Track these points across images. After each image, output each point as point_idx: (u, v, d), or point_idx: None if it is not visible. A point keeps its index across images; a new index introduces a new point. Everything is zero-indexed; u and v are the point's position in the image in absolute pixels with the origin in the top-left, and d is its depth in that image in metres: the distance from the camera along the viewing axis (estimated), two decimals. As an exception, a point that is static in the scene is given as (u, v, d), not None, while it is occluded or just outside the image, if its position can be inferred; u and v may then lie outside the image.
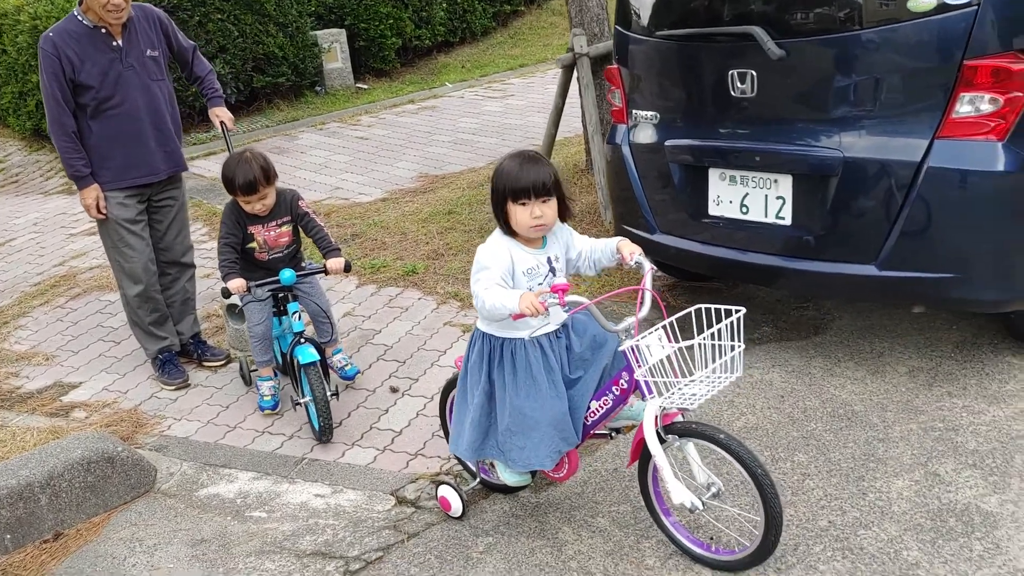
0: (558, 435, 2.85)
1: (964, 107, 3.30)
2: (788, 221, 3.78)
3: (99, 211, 4.20)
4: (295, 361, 3.85)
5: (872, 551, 2.82)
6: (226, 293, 3.81)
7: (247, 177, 3.77)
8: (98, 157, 4.15)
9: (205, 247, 6.34)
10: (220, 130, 4.48)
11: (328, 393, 3.76)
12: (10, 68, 9.49)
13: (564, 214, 2.89)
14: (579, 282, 4.81)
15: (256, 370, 4.21)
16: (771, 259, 3.88)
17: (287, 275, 3.85)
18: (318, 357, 3.80)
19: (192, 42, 4.52)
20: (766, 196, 3.82)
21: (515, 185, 2.76)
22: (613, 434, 3.10)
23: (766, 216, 3.84)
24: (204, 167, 8.17)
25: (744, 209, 3.91)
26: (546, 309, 2.61)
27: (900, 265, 3.52)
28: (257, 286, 3.85)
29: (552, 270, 2.90)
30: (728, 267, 4.11)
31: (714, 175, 3.98)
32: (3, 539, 3.34)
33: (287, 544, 3.24)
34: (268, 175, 3.83)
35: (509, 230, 2.85)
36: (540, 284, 2.85)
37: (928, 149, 3.37)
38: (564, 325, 2.94)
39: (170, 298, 4.57)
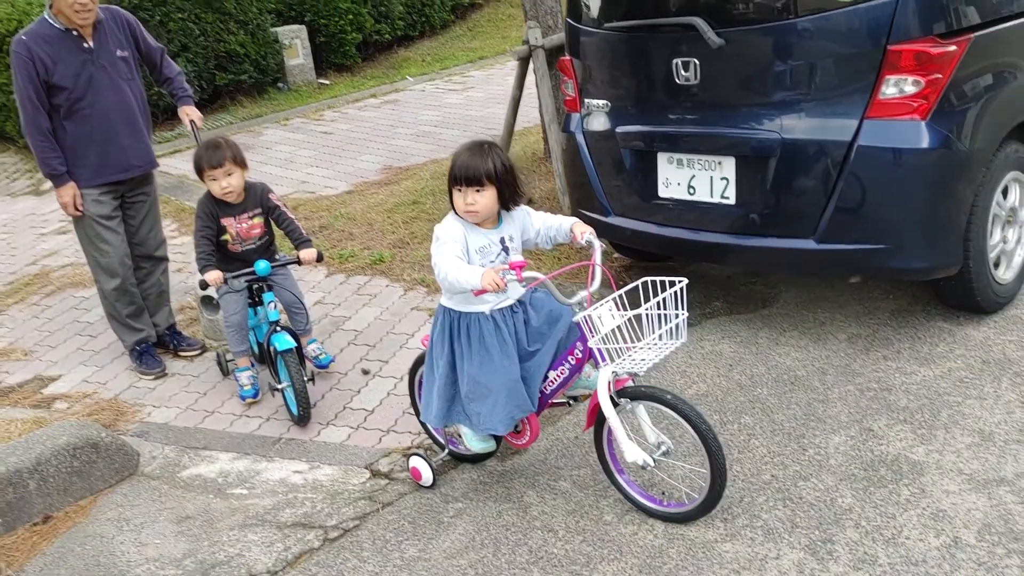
0: (511, 402, 3.07)
1: (890, 89, 3.55)
2: (732, 200, 4.02)
3: (76, 208, 4.34)
4: (272, 349, 4.01)
5: (810, 500, 3.07)
6: (204, 285, 3.97)
7: (215, 150, 3.98)
8: (73, 156, 4.29)
9: (175, 242, 6.47)
10: (189, 128, 4.63)
11: (305, 379, 3.94)
12: (-29, 71, 9.50)
13: (512, 200, 3.10)
14: (538, 256, 5.02)
15: (232, 360, 4.37)
16: (718, 237, 4.12)
17: (262, 266, 4.02)
18: (295, 344, 3.97)
19: (160, 45, 4.67)
20: (711, 178, 4.05)
21: (453, 172, 3.00)
22: (571, 402, 3.34)
23: (712, 196, 4.08)
24: (172, 165, 8.27)
25: (691, 190, 4.15)
26: (505, 285, 2.82)
27: (836, 238, 3.78)
28: (233, 277, 4.01)
29: (505, 249, 3.11)
30: (679, 246, 4.35)
31: (663, 159, 4.21)
32: (-5, 523, 3.50)
33: (268, 517, 3.43)
34: (235, 153, 4.03)
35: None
36: (492, 262, 3.06)
37: (858, 129, 3.62)
38: (521, 301, 3.16)
39: (145, 291, 4.72)
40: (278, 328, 4.04)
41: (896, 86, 3.54)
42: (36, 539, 3.50)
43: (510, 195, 3.07)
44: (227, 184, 4.01)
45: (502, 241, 3.11)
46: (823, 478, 3.18)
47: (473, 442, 3.28)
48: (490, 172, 2.97)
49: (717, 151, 4.00)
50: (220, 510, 3.52)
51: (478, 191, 2.99)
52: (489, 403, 3.09)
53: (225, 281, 4.00)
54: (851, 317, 4.28)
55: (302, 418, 3.96)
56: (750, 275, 4.87)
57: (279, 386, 4.03)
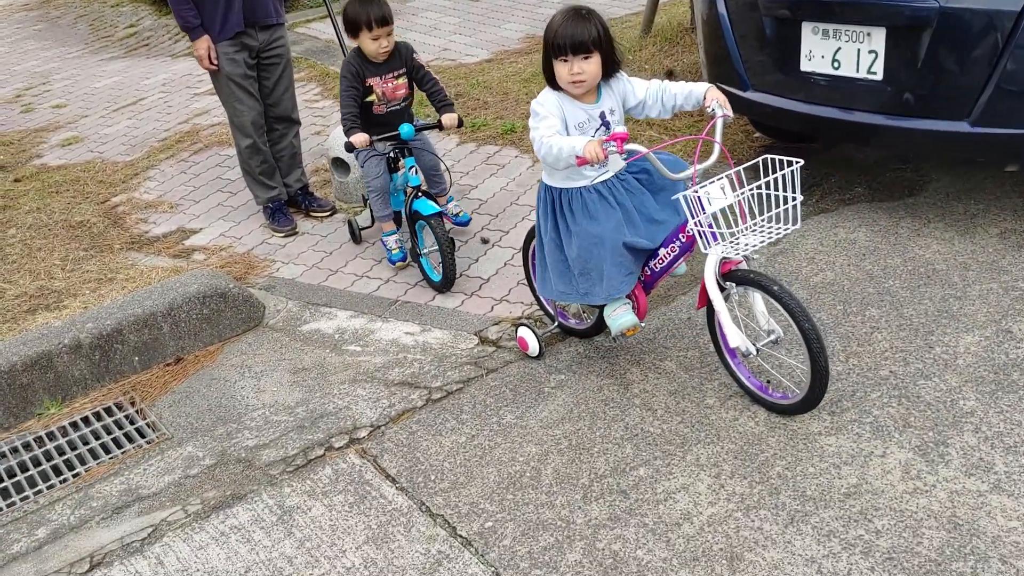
0: (615, 262, 2.96)
1: (1073, -48, 3.12)
2: (880, 76, 3.69)
3: (210, 62, 4.44)
4: (415, 213, 3.99)
5: (928, 399, 2.89)
6: (349, 147, 3.92)
7: (380, 9, 3.88)
8: (203, 8, 4.33)
9: (317, 106, 6.58)
10: (321, -3, 4.61)
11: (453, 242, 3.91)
12: (138, -68, 9.80)
13: (612, 69, 2.94)
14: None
15: (367, 227, 4.41)
16: (862, 116, 3.82)
17: (406, 129, 3.95)
18: (440, 208, 3.95)
19: None
20: (858, 50, 3.73)
21: (556, 41, 2.84)
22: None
23: (858, 71, 3.76)
24: (319, 29, 8.35)
25: (836, 64, 3.83)
26: (606, 156, 2.70)
27: (994, 121, 3.43)
28: (378, 139, 3.97)
29: (606, 124, 2.97)
30: (820, 125, 4.07)
31: (807, 29, 3.89)
32: (132, 360, 3.76)
33: (378, 374, 3.53)
34: (390, 12, 3.94)
35: (557, 85, 2.94)
36: (592, 137, 2.93)
37: (1030, -2, 3.22)
38: (633, 171, 3.04)
39: (278, 152, 4.83)
40: (419, 193, 4.03)
41: (1082, -52, 3.11)
42: (168, 378, 3.73)
43: (610, 62, 2.91)
44: (387, 44, 3.94)
45: (602, 116, 2.98)
46: (947, 378, 2.97)
47: (614, 322, 3.12)
48: (595, 38, 2.83)
49: (866, 21, 3.66)
50: (334, 364, 3.65)
51: (586, 58, 2.85)
52: (596, 273, 3.00)
53: (371, 143, 3.95)
54: (1007, 211, 3.93)
55: (446, 283, 3.95)
56: (899, 161, 4.52)
57: (423, 251, 4.04)
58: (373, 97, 4.04)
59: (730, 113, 2.90)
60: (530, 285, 3.68)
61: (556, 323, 3.56)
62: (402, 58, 4.06)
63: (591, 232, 2.98)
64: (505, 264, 4.18)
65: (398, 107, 4.11)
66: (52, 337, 3.65)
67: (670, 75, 5.75)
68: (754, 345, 2.84)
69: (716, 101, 2.90)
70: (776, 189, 2.68)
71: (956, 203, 4.05)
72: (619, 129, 2.90)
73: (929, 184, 4.27)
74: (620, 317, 3.11)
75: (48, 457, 3.35)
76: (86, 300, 4.17)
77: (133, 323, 3.75)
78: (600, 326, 3.45)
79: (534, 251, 3.57)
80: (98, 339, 3.67)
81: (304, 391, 3.51)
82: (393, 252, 4.27)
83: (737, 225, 2.75)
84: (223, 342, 3.93)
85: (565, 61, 2.89)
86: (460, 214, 4.46)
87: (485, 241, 4.40)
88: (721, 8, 4.32)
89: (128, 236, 5.00)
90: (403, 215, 4.20)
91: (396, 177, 4.19)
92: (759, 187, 2.69)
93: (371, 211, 4.37)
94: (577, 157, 2.76)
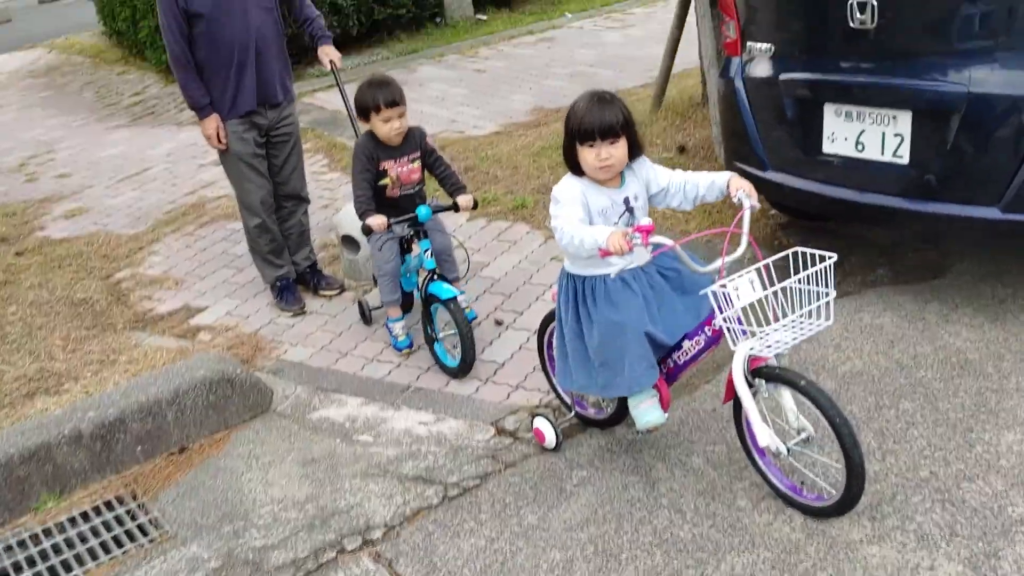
0: (642, 351, 2.85)
1: (1105, 39, 3.07)
2: (906, 160, 3.62)
3: (219, 140, 4.38)
4: (431, 297, 3.87)
5: (975, 504, 2.74)
6: (366, 230, 3.79)
7: (390, 92, 3.79)
8: (212, 86, 4.29)
9: (324, 178, 6.53)
10: (329, 68, 4.57)
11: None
12: (147, 3, 9.86)
13: (635, 152, 2.89)
14: (684, 216, 4.74)
15: (378, 308, 4.31)
16: (887, 199, 3.73)
17: (424, 212, 3.84)
18: (457, 292, 3.84)
19: None
20: (883, 133, 3.66)
21: (583, 127, 2.77)
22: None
23: (883, 154, 3.68)
24: (326, 100, 8.36)
25: (860, 147, 3.76)
26: (631, 248, 2.60)
27: (1026, 208, 3.34)
28: (396, 223, 3.85)
29: (630, 209, 2.89)
30: (842, 207, 3.98)
31: (829, 110, 3.83)
32: (135, 450, 3.62)
33: (391, 468, 3.39)
34: (402, 94, 3.86)
35: (580, 171, 2.87)
36: (615, 224, 2.86)
37: (1062, 84, 3.16)
38: (672, 268, 2.94)
39: (287, 230, 4.74)
40: (436, 276, 3.92)
41: (1114, 35, 3.06)
42: (171, 469, 3.59)
43: (633, 146, 2.86)
44: (400, 126, 3.85)
45: (626, 201, 2.90)
46: (991, 481, 2.83)
47: (640, 416, 3.00)
48: (622, 121, 2.77)
49: (892, 104, 3.60)
50: (345, 456, 3.51)
51: (613, 143, 2.78)
52: (617, 364, 2.89)
53: (389, 227, 3.83)
54: (1036, 295, 3.83)
55: (464, 367, 3.82)
56: (920, 241, 4.43)
57: (438, 335, 3.93)
58: (387, 181, 3.94)
59: (757, 204, 2.81)
60: (546, 372, 3.56)
61: (573, 412, 3.43)
62: (416, 141, 3.99)
63: (613, 320, 2.88)
64: (520, 348, 4.06)
65: (412, 191, 4.02)
66: (51, 427, 3.51)
67: (682, 151, 5.70)
68: (785, 444, 2.72)
69: (742, 191, 2.82)
70: (808, 284, 2.58)
71: (983, 286, 3.95)
72: (644, 220, 2.80)
73: (953, 266, 4.17)
74: (647, 413, 2.99)
75: (44, 557, 3.19)
76: (87, 384, 4.04)
77: (136, 411, 3.62)
78: (620, 416, 3.33)
79: (550, 337, 3.47)
80: (99, 428, 3.54)
81: (314, 485, 3.36)
82: (399, 339, 4.15)
83: (768, 321, 2.64)
84: (230, 430, 3.79)
85: (591, 146, 2.81)
86: (468, 310, 4.32)
87: (499, 323, 4.28)
88: (739, 86, 4.27)
89: (132, 314, 4.89)
90: (416, 298, 4.10)
91: (409, 259, 4.09)
92: (794, 282, 2.59)
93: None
94: (600, 249, 2.66)
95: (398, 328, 4.16)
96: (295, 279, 4.80)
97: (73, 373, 4.19)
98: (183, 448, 3.70)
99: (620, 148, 2.81)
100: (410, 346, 4.15)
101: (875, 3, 3.51)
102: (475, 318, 4.29)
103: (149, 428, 3.64)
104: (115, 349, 4.40)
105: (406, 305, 4.46)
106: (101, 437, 3.54)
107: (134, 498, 3.44)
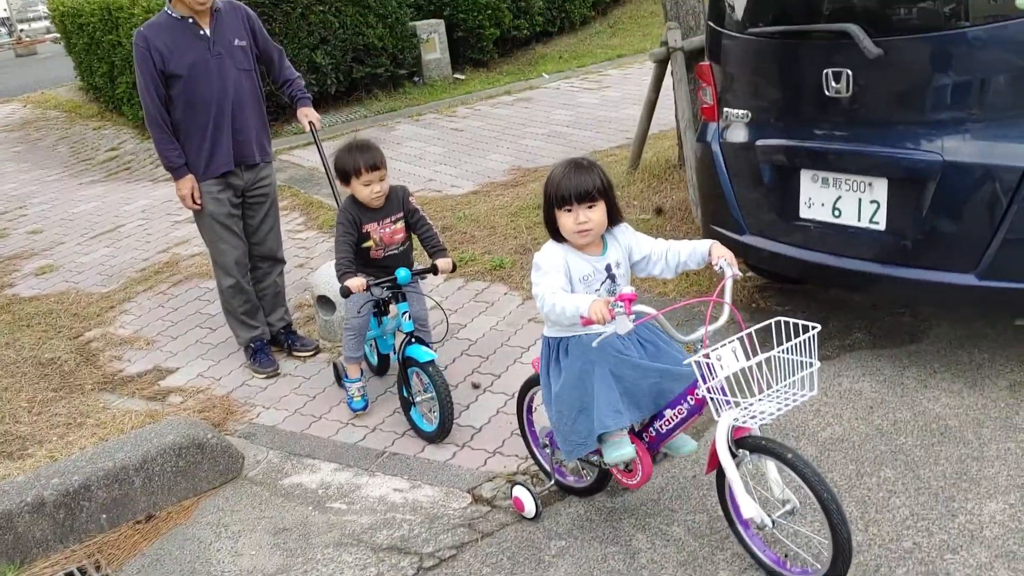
0: (610, 391, 2.83)
1: (1076, 110, 3.12)
2: (882, 226, 3.64)
3: (194, 201, 4.34)
4: (409, 360, 3.82)
5: (958, 576, 2.71)
6: (345, 292, 3.72)
7: (371, 156, 3.77)
8: (189, 146, 4.28)
9: (300, 237, 6.50)
10: (308, 129, 4.57)
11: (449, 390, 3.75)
12: (125, 59, 9.89)
13: (615, 219, 2.89)
14: (662, 281, 4.74)
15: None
16: (864, 265, 3.75)
17: (404, 274, 3.80)
18: (435, 355, 3.79)
19: (279, 46, 4.62)
20: (860, 199, 3.68)
21: (560, 191, 2.78)
22: (660, 457, 3.07)
23: (859, 220, 3.71)
24: (303, 157, 8.35)
25: (836, 212, 3.79)
26: (613, 317, 2.58)
27: (1002, 275, 3.36)
28: (376, 284, 3.80)
29: (612, 277, 2.88)
30: (819, 272, 3.99)
31: (806, 177, 3.86)
32: (100, 518, 3.50)
33: (364, 537, 3.30)
34: (382, 157, 3.84)
35: (561, 237, 2.86)
36: (597, 291, 2.84)
37: (1035, 154, 3.20)
38: (652, 341, 2.92)
39: (262, 291, 4.69)
40: (413, 339, 3.87)
41: (1084, 107, 3.11)
42: (137, 538, 3.48)
43: (612, 212, 2.86)
44: (380, 189, 3.83)
45: (608, 268, 2.88)
46: (975, 552, 2.80)
47: (609, 450, 2.93)
48: (599, 186, 2.77)
49: (868, 171, 3.63)
50: (317, 524, 3.42)
51: (590, 207, 2.77)
52: (589, 404, 2.86)
53: (368, 288, 3.78)
54: (1013, 361, 3.83)
55: (442, 432, 3.76)
56: (897, 305, 4.44)
57: (415, 400, 3.87)
58: (371, 243, 3.91)
59: (739, 272, 2.81)
60: (524, 437, 3.50)
61: (553, 480, 3.37)
62: (399, 201, 3.97)
63: (584, 358, 2.85)
64: (498, 412, 4.00)
65: (396, 251, 3.98)
66: (13, 494, 3.40)
67: (659, 212, 5.72)
68: (769, 516, 2.67)
69: (724, 259, 2.81)
70: (792, 354, 2.56)
71: (961, 351, 3.96)
72: (627, 289, 2.78)
73: (931, 330, 4.18)
74: (618, 447, 2.91)
75: (1, 633, 3.07)
76: (53, 448, 3.93)
77: (103, 478, 3.52)
78: (600, 484, 3.27)
79: (530, 402, 3.42)
80: (64, 496, 3.43)
81: (285, 555, 3.26)
82: (354, 400, 4.10)
83: (751, 391, 2.61)
84: (199, 497, 3.69)
85: (569, 211, 2.81)
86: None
87: (476, 386, 4.23)
88: (717, 150, 4.30)
89: (101, 375, 4.79)
90: (392, 360, 4.04)
91: (386, 321, 4.05)
92: (777, 353, 2.56)
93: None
94: (582, 317, 2.63)
95: (354, 389, 4.10)
96: (269, 340, 4.73)
97: (38, 437, 4.09)
98: (150, 516, 3.59)
99: (598, 212, 2.81)
100: (364, 408, 4.10)
101: (850, 72, 3.56)
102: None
103: (115, 495, 3.54)
104: (82, 412, 4.30)
105: (382, 368, 4.41)
106: (65, 505, 3.43)
107: (97, 569, 3.33)
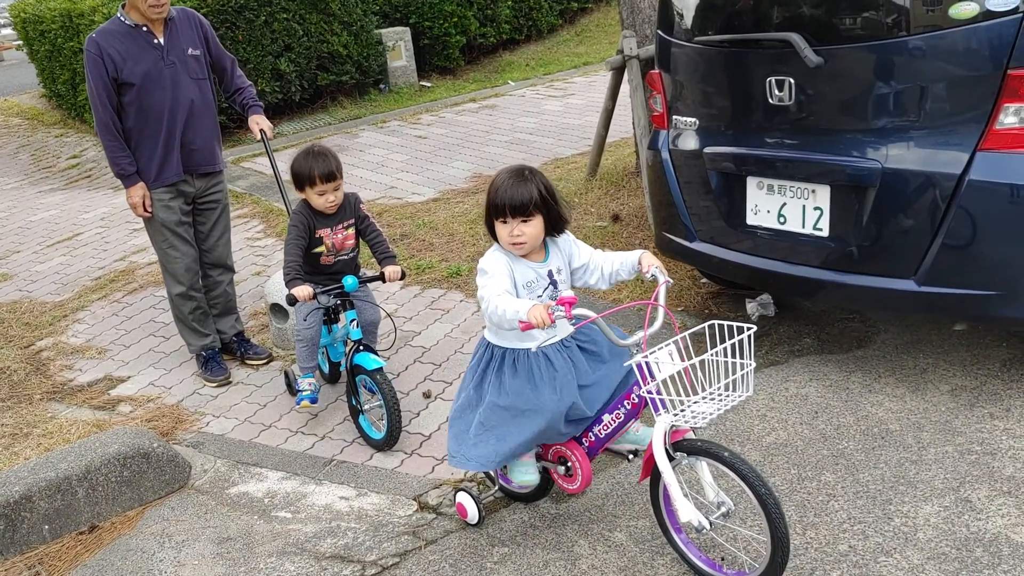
0: (534, 447, 2.98)
1: (1008, 118, 3.17)
2: (826, 232, 3.68)
3: (144, 209, 4.31)
4: (356, 368, 3.80)
5: (892, 579, 2.73)
6: (292, 300, 3.68)
7: (327, 165, 3.74)
8: (140, 154, 4.25)
9: (259, 244, 6.46)
10: (260, 138, 4.55)
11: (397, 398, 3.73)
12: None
13: (558, 227, 2.90)
14: (604, 293, 4.76)
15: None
16: (809, 271, 3.79)
17: (351, 282, 3.80)
18: (383, 363, 3.78)
19: (231, 55, 4.60)
20: (804, 206, 3.73)
21: (496, 202, 2.79)
22: (630, 457, 3.09)
23: (803, 227, 3.75)
24: (264, 165, 8.30)
25: (782, 219, 3.82)
26: (553, 321, 2.60)
27: (941, 281, 3.41)
28: (322, 292, 3.77)
29: (554, 283, 2.89)
30: (766, 278, 4.03)
31: (752, 184, 3.90)
32: (41, 529, 3.46)
33: (308, 546, 3.28)
34: (339, 166, 3.82)
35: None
36: (539, 297, 2.86)
37: (970, 161, 3.25)
38: (592, 340, 2.94)
39: (212, 300, 4.66)
40: (362, 347, 3.86)
41: (1016, 115, 3.15)
42: (80, 549, 3.44)
43: (554, 221, 2.86)
44: (335, 198, 3.81)
45: (550, 274, 2.90)
46: (908, 554, 2.83)
47: (515, 469, 3.09)
48: (536, 200, 2.77)
49: (810, 178, 3.68)
50: (262, 533, 3.39)
51: (524, 221, 2.78)
52: (501, 433, 2.93)
53: (315, 296, 3.75)
54: (956, 366, 3.88)
55: (390, 439, 3.75)
56: (846, 311, 4.49)
57: (364, 408, 3.85)
58: (322, 248, 3.89)
59: (670, 279, 2.84)
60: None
61: (497, 486, 3.37)
62: (351, 208, 3.96)
63: (532, 401, 2.86)
64: (448, 419, 3.99)
65: (346, 257, 3.97)
66: (-47, 505, 3.36)
67: (616, 219, 5.75)
68: (707, 519, 2.69)
69: (655, 267, 2.84)
70: (728, 356, 2.58)
71: (906, 357, 4.00)
72: (567, 293, 2.80)
73: (877, 336, 4.23)
74: (525, 472, 3.08)
75: (-64, 646, 3.02)
76: (-3, 459, 3.88)
77: (45, 488, 3.47)
78: (544, 490, 3.28)
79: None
80: (4, 507, 3.38)
81: (228, 565, 3.24)
82: (303, 392, 3.98)
83: (688, 392, 2.63)
84: (144, 506, 3.65)
85: (504, 222, 2.82)
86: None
87: (427, 395, 4.22)
88: (667, 158, 4.34)
89: (51, 384, 4.74)
90: (342, 369, 4.02)
91: (336, 329, 4.04)
92: (714, 354, 2.58)
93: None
94: (521, 322, 2.65)
95: (306, 383, 4.00)
96: (221, 349, 4.70)
97: (-17, 447, 4.03)
98: (93, 527, 3.55)
99: (532, 226, 2.81)
100: (314, 402, 3.99)
101: (792, 81, 3.61)
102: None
103: (57, 506, 3.49)
104: (29, 422, 4.25)
105: (333, 376, 4.40)
106: (5, 516, 3.38)
107: (37, 581, 3.29)
